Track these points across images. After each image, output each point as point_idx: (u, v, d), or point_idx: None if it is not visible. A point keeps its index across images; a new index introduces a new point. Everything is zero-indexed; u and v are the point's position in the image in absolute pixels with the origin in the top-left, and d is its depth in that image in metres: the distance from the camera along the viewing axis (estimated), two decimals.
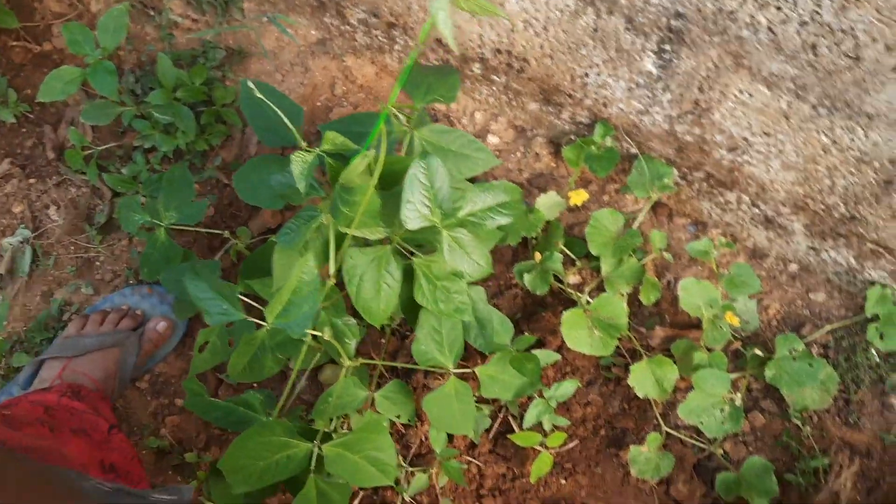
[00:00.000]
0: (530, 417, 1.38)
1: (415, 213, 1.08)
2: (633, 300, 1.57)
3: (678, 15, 1.14)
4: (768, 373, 1.46)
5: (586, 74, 1.38)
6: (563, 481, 1.49)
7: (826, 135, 1.18)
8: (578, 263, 1.56)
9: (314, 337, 1.21)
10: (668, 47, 1.21)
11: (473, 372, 1.32)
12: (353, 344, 1.33)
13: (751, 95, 1.19)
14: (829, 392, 1.50)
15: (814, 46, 1.05)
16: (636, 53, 1.25)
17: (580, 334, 1.40)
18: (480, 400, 1.48)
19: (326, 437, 1.19)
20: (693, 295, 1.42)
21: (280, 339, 1.23)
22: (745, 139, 1.30)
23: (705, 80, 1.22)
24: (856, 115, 1.11)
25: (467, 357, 1.50)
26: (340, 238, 1.20)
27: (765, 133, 1.26)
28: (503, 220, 1.14)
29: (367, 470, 1.18)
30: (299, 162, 1.05)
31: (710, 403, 1.40)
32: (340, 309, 1.33)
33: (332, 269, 1.14)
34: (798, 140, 1.23)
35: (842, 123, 1.14)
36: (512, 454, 1.49)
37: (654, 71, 1.27)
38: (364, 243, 1.23)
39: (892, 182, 1.20)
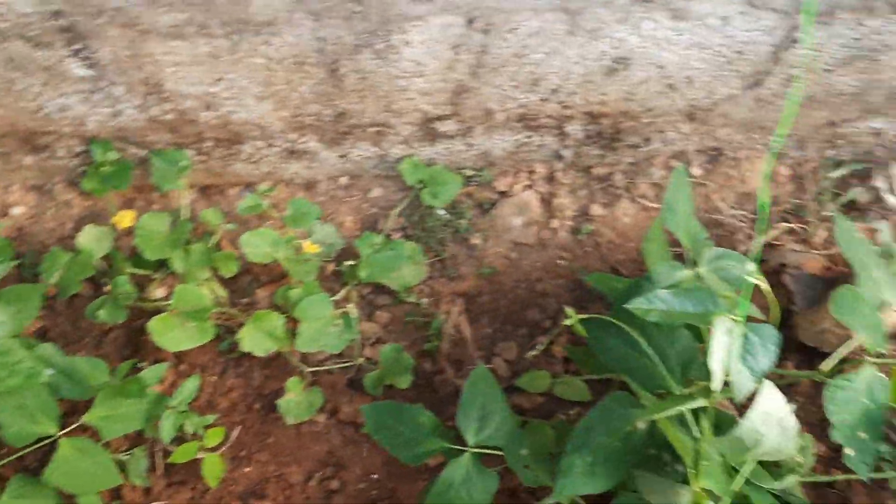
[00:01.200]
0: (166, 432, 1.37)
1: None
2: (230, 280, 1.61)
3: (58, 14, 1.16)
4: (363, 273, 1.58)
5: (41, 107, 1.36)
6: (246, 469, 1.50)
7: (259, 52, 1.28)
8: (158, 275, 1.56)
9: None
10: (78, 46, 1.23)
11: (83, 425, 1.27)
12: None
13: (173, 52, 1.26)
14: (420, 262, 1.67)
15: None
16: (59, 65, 1.27)
17: (173, 335, 1.41)
18: (126, 447, 1.45)
19: None
20: (256, 245, 1.49)
21: None
22: (209, 93, 1.37)
23: (128, 59, 1.27)
24: (256, 27, 1.22)
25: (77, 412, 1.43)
26: None
27: (217, 80, 1.34)
28: None
29: None
30: None
31: (322, 326, 1.49)
32: None
33: None
34: (241, 70, 1.32)
35: (255, 39, 1.24)
36: (187, 475, 1.48)
37: (91, 72, 1.29)
38: None
39: (335, 69, 1.34)
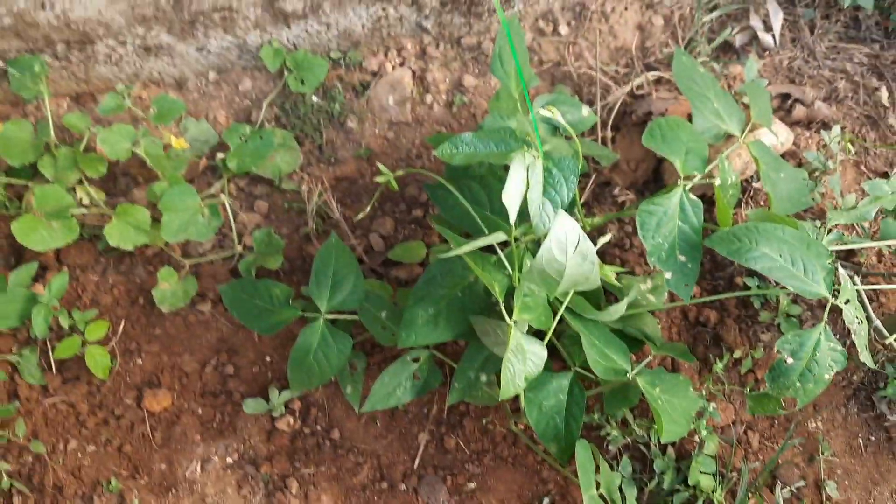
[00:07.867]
0: (39, 327, 1.43)
1: None
2: (107, 182, 1.64)
3: None
4: (232, 164, 1.60)
5: None
6: (139, 361, 1.56)
7: None
8: (33, 183, 1.59)
9: None
10: None
11: None
12: None
13: None
14: (293, 148, 1.68)
15: None
16: None
17: (38, 235, 1.45)
18: (16, 349, 1.51)
19: None
20: (114, 142, 1.51)
21: None
22: None
23: None
24: None
25: None
26: None
27: None
28: None
29: None
30: None
31: (190, 216, 1.52)
32: None
33: None
34: None
35: None
36: (80, 371, 1.54)
37: None
38: None
39: None
